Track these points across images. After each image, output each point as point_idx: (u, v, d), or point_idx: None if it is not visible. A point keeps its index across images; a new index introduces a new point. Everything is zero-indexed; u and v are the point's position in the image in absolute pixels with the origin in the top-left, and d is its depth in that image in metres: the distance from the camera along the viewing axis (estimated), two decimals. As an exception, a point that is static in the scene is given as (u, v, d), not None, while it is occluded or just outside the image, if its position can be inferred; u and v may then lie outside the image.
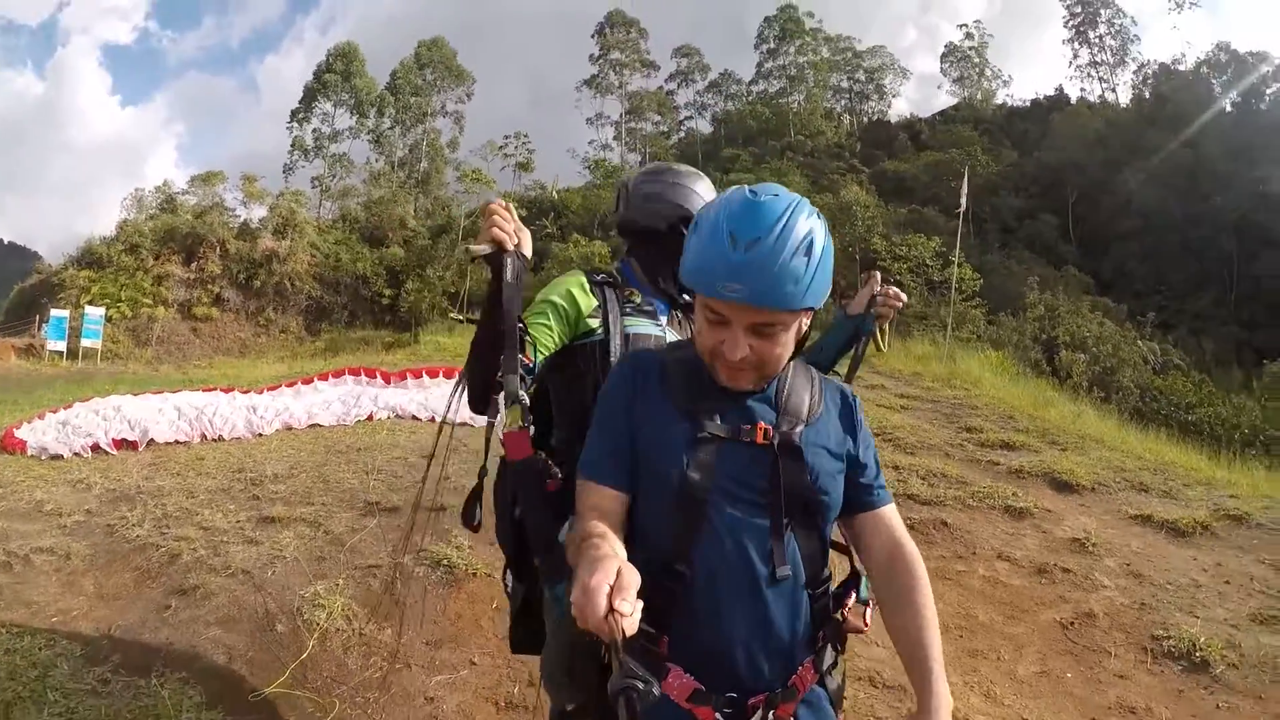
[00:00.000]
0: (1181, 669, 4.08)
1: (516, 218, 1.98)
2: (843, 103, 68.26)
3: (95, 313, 29.69)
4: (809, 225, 1.46)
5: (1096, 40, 63.01)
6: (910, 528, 6.10)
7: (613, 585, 1.07)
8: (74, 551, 4.58)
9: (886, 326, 2.49)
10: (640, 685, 1.04)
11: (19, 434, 7.53)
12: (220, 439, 8.37)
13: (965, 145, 48.78)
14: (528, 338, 2.04)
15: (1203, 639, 4.22)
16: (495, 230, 1.91)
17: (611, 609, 1.04)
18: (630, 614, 1.05)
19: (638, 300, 2.29)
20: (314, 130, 54.28)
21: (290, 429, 9.02)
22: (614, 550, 1.29)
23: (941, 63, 69.32)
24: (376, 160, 55.35)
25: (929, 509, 6.20)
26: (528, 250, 2.00)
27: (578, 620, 1.08)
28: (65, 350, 28.09)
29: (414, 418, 9.41)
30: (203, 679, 3.28)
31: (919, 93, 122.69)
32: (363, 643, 3.82)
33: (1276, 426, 18.69)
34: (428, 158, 56.27)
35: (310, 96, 54.92)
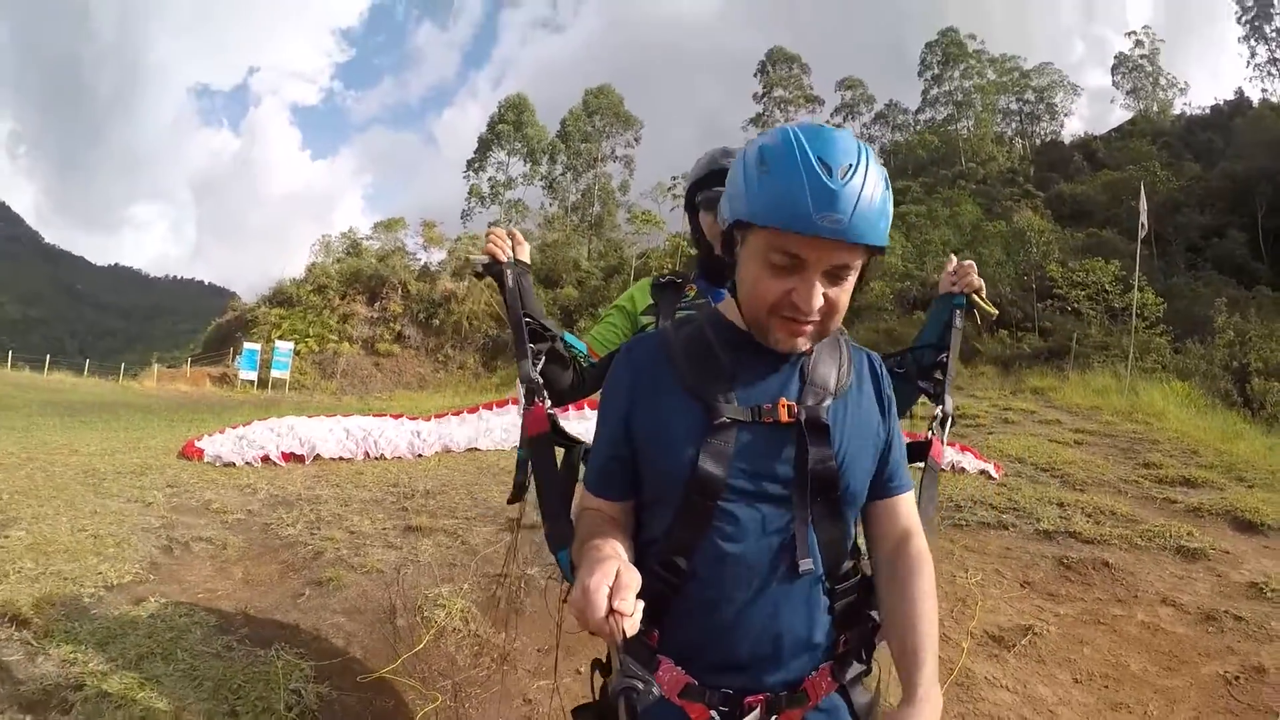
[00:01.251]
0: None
1: (514, 235, 2.32)
2: (1013, 125, 65.83)
3: (284, 346, 32.54)
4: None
5: (1274, 35, 58.76)
6: (1067, 568, 5.66)
7: (612, 586, 1.06)
8: (230, 543, 4.93)
9: (981, 297, 2.52)
10: (640, 685, 1.05)
11: (199, 444, 8.16)
12: (382, 457, 8.89)
13: (1143, 161, 45.71)
14: (553, 335, 2.26)
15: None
16: (491, 246, 2.28)
17: (612, 609, 1.03)
18: (631, 614, 1.04)
19: (692, 294, 2.44)
20: (489, 178, 57.24)
21: (449, 451, 9.51)
22: (614, 551, 1.25)
23: (1113, 75, 66.30)
24: (550, 205, 57.73)
25: (1091, 548, 5.74)
26: (526, 259, 2.36)
27: (578, 621, 1.07)
28: (256, 379, 30.74)
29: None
30: (317, 656, 3.45)
31: (1092, 109, 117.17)
32: (476, 643, 3.92)
33: None
34: (599, 201, 58.04)
35: (485, 146, 57.97)
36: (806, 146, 1.28)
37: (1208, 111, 60.11)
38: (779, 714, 1.41)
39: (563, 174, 58.70)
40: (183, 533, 5.03)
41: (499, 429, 10.41)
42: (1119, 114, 65.91)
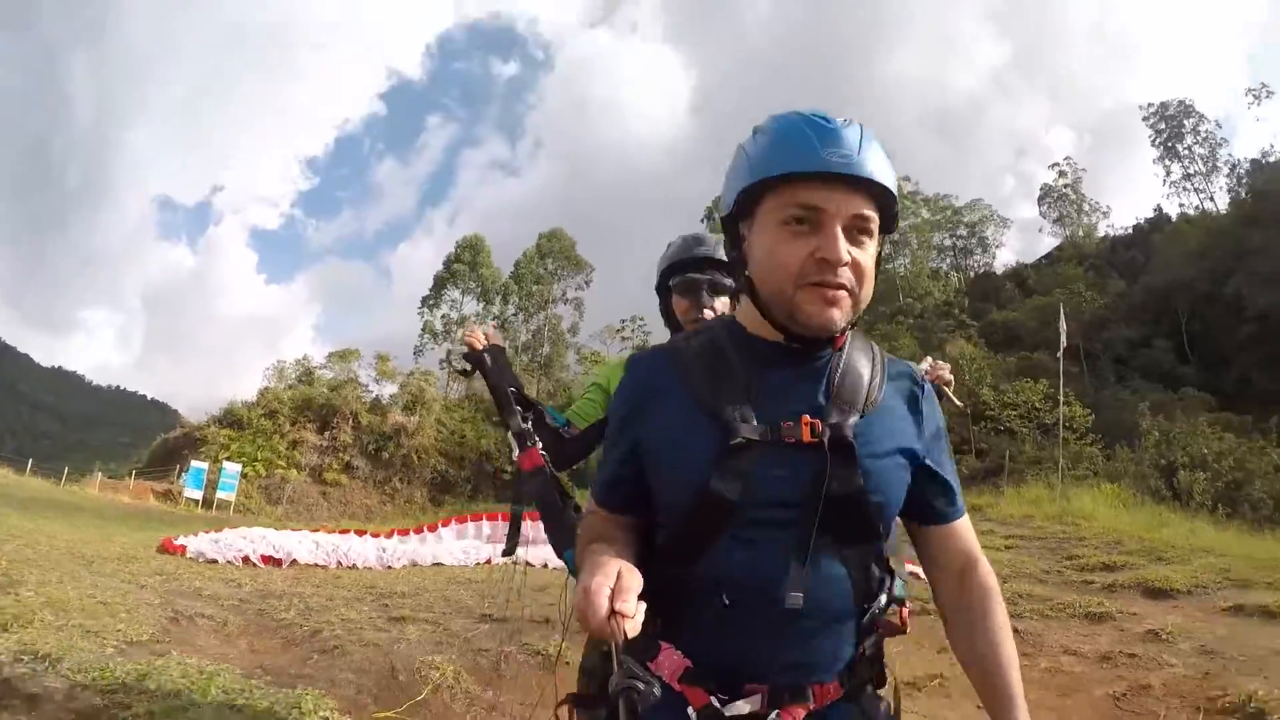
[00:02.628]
0: (1235, 721, 4.13)
1: (487, 331, 2.76)
2: (948, 260, 68.06)
3: (232, 468, 32.23)
4: None
5: (1186, 152, 61.83)
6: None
7: (614, 588, 1.05)
8: (230, 621, 5.32)
9: (949, 390, 2.90)
10: (641, 686, 0.99)
11: (179, 541, 8.51)
12: (354, 567, 9.33)
13: (1069, 285, 48.18)
14: (538, 406, 2.63)
15: (1260, 692, 4.24)
16: (468, 338, 2.73)
17: (613, 611, 1.02)
18: (632, 616, 1.03)
19: None
20: (443, 316, 57.76)
21: (416, 564, 10.02)
22: (616, 554, 1.21)
23: (1039, 205, 69.42)
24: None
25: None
26: (498, 341, 2.78)
27: (580, 623, 1.06)
28: (201, 499, 30.25)
29: (528, 563, 10.18)
30: (336, 698, 3.90)
31: (1023, 239, 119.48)
32: (468, 698, 4.41)
33: None
34: (549, 342, 58.77)
35: (440, 285, 58.79)
36: (800, 110, 1.29)
37: (1130, 231, 63.45)
38: (781, 708, 1.30)
39: (514, 314, 59.41)
40: (184, 608, 5.41)
41: (458, 550, 10.95)
42: (1048, 241, 68.74)
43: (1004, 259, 68.99)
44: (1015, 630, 5.21)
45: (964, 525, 1.47)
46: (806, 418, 1.27)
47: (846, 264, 1.23)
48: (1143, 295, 46.67)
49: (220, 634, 5.07)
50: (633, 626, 1.01)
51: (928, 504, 1.44)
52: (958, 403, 2.96)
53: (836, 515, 1.26)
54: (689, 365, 1.38)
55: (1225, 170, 60.10)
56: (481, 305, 58.63)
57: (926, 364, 2.98)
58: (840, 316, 1.26)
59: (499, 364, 2.71)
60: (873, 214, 1.26)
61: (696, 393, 1.33)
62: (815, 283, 1.24)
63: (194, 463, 32.45)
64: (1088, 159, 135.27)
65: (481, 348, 2.71)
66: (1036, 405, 29.83)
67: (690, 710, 1.31)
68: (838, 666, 1.34)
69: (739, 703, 1.29)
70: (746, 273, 1.34)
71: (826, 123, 1.23)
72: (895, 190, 1.27)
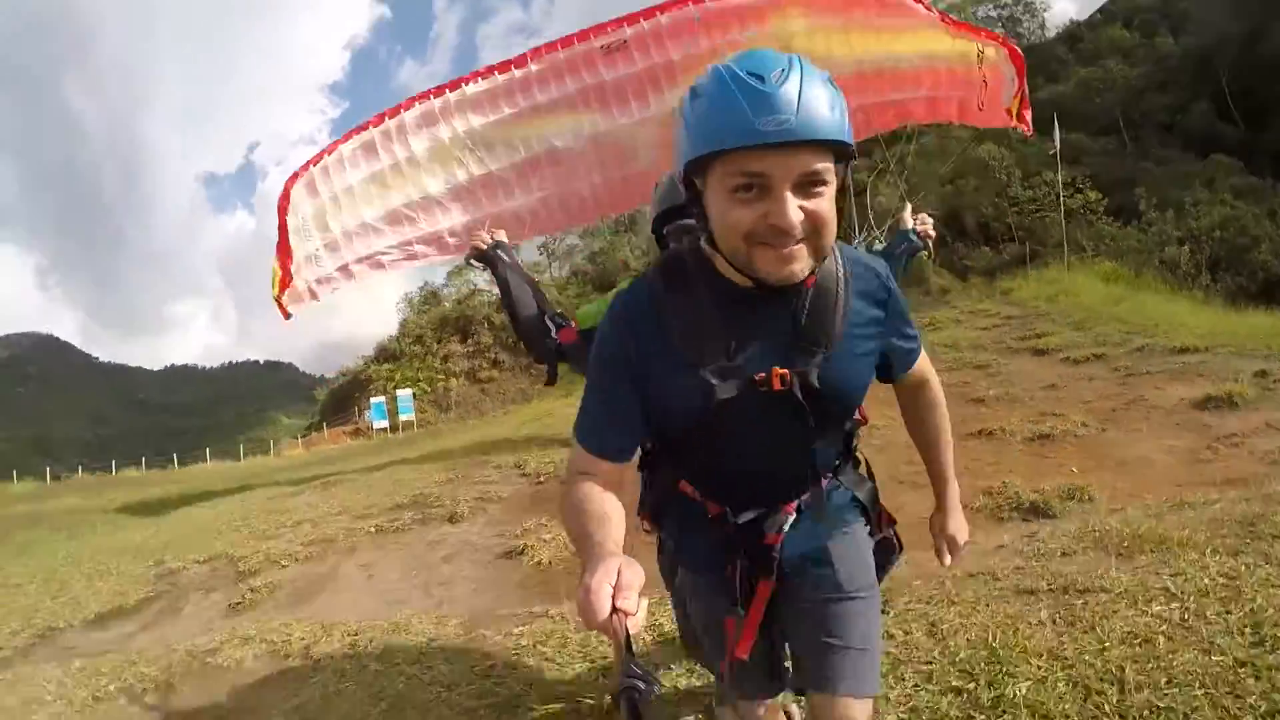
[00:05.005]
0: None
1: (490, 230, 3.06)
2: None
3: (405, 394, 35.94)
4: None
5: None
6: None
7: (615, 585, 1.04)
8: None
9: (929, 244, 3.70)
10: (642, 685, 1.00)
11: (286, 303, 8.26)
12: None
13: (1116, 49, 46.16)
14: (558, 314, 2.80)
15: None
16: (474, 242, 3.11)
17: (615, 609, 1.02)
18: (634, 613, 1.02)
19: None
20: None
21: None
22: (616, 546, 1.25)
23: None
24: None
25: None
26: (503, 237, 3.05)
27: (582, 621, 1.05)
28: (388, 427, 34.16)
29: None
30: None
31: None
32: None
33: None
34: None
35: None
36: (733, 65, 1.24)
37: None
38: (782, 507, 1.63)
39: None
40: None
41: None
42: None
43: (1062, 10, 62.69)
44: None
45: (919, 362, 1.74)
46: (776, 369, 1.39)
47: (798, 225, 1.23)
48: (1181, 56, 43.27)
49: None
50: (635, 623, 1.02)
51: (889, 366, 1.67)
52: (930, 251, 3.73)
53: (817, 423, 1.46)
54: (670, 319, 1.43)
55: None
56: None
57: (910, 219, 3.63)
58: (800, 268, 1.29)
59: (511, 258, 2.90)
60: (823, 165, 1.23)
61: (678, 348, 1.41)
62: (767, 242, 1.25)
63: (372, 400, 36.34)
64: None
65: (486, 247, 2.93)
66: (1058, 194, 29.62)
67: (708, 515, 1.63)
68: (820, 471, 1.63)
69: (744, 514, 1.60)
70: (709, 228, 1.34)
71: (760, 84, 1.18)
72: (844, 135, 1.23)
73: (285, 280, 7.81)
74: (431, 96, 8.01)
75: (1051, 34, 59.66)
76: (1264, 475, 4.92)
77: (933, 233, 3.61)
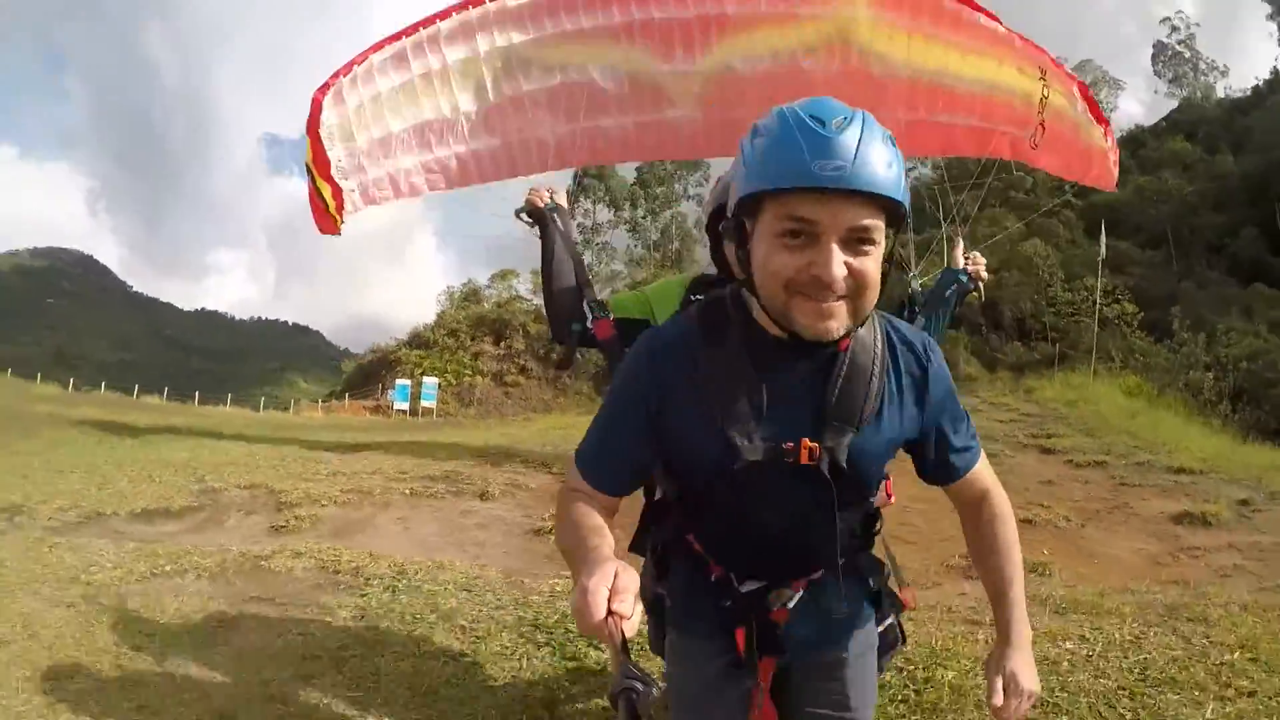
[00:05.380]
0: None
1: (551, 189, 2.93)
2: None
3: (431, 381, 37.37)
4: None
5: None
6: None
7: (611, 588, 1.04)
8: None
9: (979, 286, 3.51)
10: (640, 687, 0.99)
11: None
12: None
13: (1176, 160, 46.07)
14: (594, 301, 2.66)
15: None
16: (531, 197, 2.92)
17: (610, 611, 1.01)
18: (630, 616, 1.02)
19: None
20: (579, 224, 61.60)
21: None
22: (611, 551, 1.23)
23: (1153, 64, 64.95)
24: (635, 246, 61.62)
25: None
26: (561, 200, 2.91)
27: (577, 624, 1.05)
28: (407, 410, 35.32)
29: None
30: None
31: (1148, 93, 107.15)
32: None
33: None
34: (678, 238, 61.30)
35: (571, 198, 61.68)
36: (797, 109, 1.24)
37: (1249, 93, 58.26)
38: (791, 583, 1.56)
39: (643, 217, 61.78)
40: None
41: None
42: (1169, 104, 63.37)
43: (1128, 113, 62.43)
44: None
45: (979, 468, 1.58)
46: (806, 441, 1.35)
47: (841, 281, 1.21)
48: (1238, 178, 42.29)
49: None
50: (630, 626, 1.01)
51: (941, 464, 1.55)
52: (978, 295, 3.51)
53: (839, 502, 1.42)
54: (703, 372, 1.40)
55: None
56: (613, 212, 61.65)
57: (960, 256, 3.51)
58: (837, 326, 1.26)
59: (565, 224, 2.79)
60: (874, 222, 1.22)
61: (710, 407, 1.37)
62: (809, 295, 1.23)
63: (398, 380, 37.68)
64: (1202, 10, 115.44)
65: (543, 205, 2.78)
66: (1096, 300, 29.96)
67: (711, 577, 1.58)
68: (837, 550, 1.50)
69: (749, 583, 1.54)
70: (750, 271, 1.31)
71: (820, 128, 1.18)
72: (899, 193, 1.21)
73: (336, 191, 7.31)
74: (470, 7, 7.55)
75: (1116, 135, 59.21)
76: (1208, 582, 5.50)
77: (985, 274, 3.48)
